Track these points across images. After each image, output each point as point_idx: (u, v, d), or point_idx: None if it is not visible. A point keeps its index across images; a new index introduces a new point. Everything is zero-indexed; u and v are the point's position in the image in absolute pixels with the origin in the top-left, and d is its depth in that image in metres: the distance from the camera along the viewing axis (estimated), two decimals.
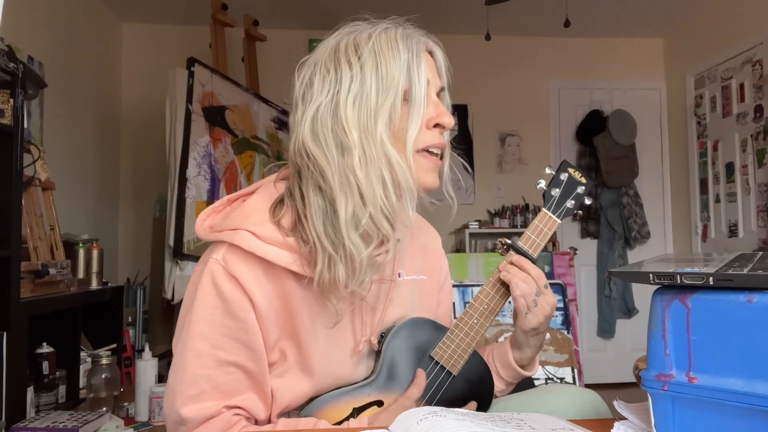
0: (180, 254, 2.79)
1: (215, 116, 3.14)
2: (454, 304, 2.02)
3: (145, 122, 4.00)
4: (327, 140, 0.80)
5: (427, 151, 0.85)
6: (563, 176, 0.97)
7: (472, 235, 4.12)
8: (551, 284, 1.01)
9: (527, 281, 0.92)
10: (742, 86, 3.71)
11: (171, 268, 2.86)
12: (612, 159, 4.32)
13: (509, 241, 0.97)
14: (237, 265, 0.79)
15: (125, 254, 4.05)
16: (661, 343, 0.58)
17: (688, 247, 4.24)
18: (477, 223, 4.15)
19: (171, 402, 0.81)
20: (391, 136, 0.81)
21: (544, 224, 0.96)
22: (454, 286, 2.03)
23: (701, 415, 0.57)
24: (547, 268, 2.60)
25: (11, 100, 1.79)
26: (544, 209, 0.96)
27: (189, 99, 2.94)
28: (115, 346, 2.56)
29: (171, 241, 2.80)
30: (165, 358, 2.86)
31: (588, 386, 1.36)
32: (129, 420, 2.09)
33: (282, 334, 0.83)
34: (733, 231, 3.78)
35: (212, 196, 3.01)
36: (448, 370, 0.92)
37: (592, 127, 4.40)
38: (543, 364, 2.02)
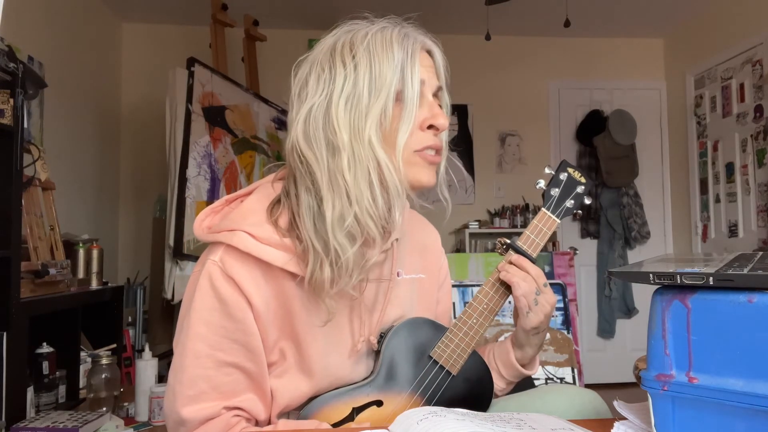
0: (180, 254, 2.79)
1: (215, 116, 3.14)
2: (454, 303, 2.02)
3: (145, 122, 4.00)
4: (318, 140, 0.80)
5: (422, 150, 0.85)
6: (563, 176, 0.97)
7: (472, 235, 4.12)
8: (551, 284, 1.01)
9: (527, 280, 0.92)
10: (742, 86, 3.71)
11: (171, 268, 2.86)
12: (612, 159, 4.32)
13: (508, 241, 0.97)
14: (234, 267, 0.79)
15: (125, 254, 4.05)
16: (661, 343, 0.58)
17: (688, 247, 4.24)
18: (477, 223, 4.15)
19: (171, 402, 0.81)
20: (381, 138, 0.80)
21: (544, 224, 0.96)
22: (454, 286, 2.03)
23: (701, 415, 0.57)
24: (547, 268, 2.60)
25: (11, 100, 1.79)
26: (543, 209, 0.96)
27: (189, 99, 2.94)
28: (115, 346, 2.56)
29: (171, 241, 2.81)
30: (165, 358, 2.86)
31: (588, 386, 1.36)
32: (129, 420, 2.09)
33: (281, 335, 0.83)
34: (733, 231, 3.78)
35: (212, 196, 3.01)
36: (447, 370, 0.92)
37: (592, 127, 4.40)
38: (543, 364, 2.02)
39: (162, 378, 2.27)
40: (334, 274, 0.80)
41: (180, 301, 0.79)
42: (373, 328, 0.91)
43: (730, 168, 3.80)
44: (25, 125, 2.19)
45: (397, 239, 0.91)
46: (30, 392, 1.91)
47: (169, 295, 2.87)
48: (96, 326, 2.56)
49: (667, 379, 0.58)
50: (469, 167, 4.41)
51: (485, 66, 4.40)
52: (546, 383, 1.96)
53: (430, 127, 0.84)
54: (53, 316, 2.17)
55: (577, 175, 0.97)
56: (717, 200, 3.94)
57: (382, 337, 0.91)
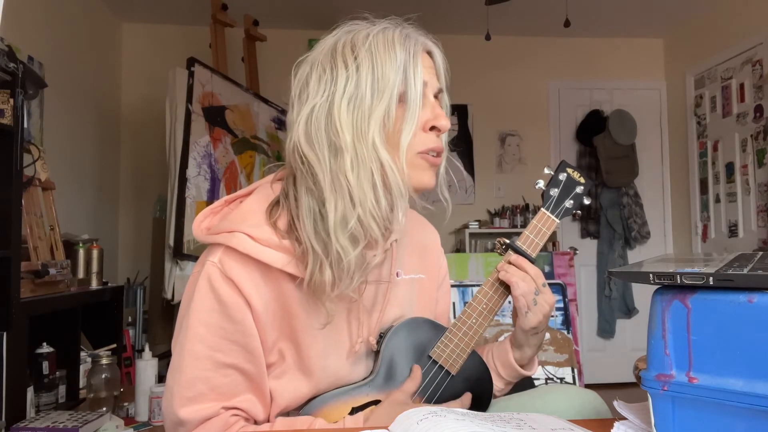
0: (180, 254, 2.79)
1: (215, 116, 3.14)
2: (454, 304, 2.02)
3: (145, 122, 4.00)
4: (320, 141, 0.80)
5: (424, 153, 0.85)
6: (562, 176, 0.97)
7: (472, 235, 4.12)
8: (551, 284, 1.02)
9: (526, 280, 0.92)
10: (742, 86, 3.71)
11: (171, 268, 2.86)
12: (612, 159, 4.32)
13: (508, 241, 0.97)
14: (234, 268, 0.79)
15: (125, 254, 4.05)
16: (661, 343, 0.58)
17: (688, 247, 4.24)
18: (477, 223, 4.15)
19: (169, 403, 0.81)
20: (384, 139, 0.80)
21: (543, 224, 0.96)
22: (454, 286, 2.03)
23: (701, 415, 0.57)
24: (547, 268, 2.60)
25: (11, 100, 1.79)
26: (542, 209, 0.96)
27: (189, 99, 2.94)
28: (115, 346, 2.56)
29: (171, 241, 2.81)
30: (165, 358, 2.86)
31: (588, 386, 1.36)
32: (129, 420, 2.09)
33: (280, 336, 0.83)
34: (733, 231, 3.78)
35: (212, 196, 3.01)
36: (446, 370, 0.92)
37: (592, 127, 4.40)
38: (543, 364, 2.02)
39: (162, 378, 2.26)
40: (335, 277, 0.79)
41: (180, 301, 0.79)
42: (372, 328, 0.91)
43: (730, 168, 3.80)
44: (25, 125, 2.19)
45: (396, 240, 0.91)
46: (30, 392, 1.91)
47: (169, 295, 2.87)
48: (96, 326, 2.56)
49: (667, 379, 0.58)
50: (469, 167, 4.41)
51: (485, 66, 4.40)
52: (546, 383, 1.96)
53: (432, 128, 0.85)
54: (53, 316, 2.17)
55: (576, 175, 0.97)
56: (717, 200, 3.94)
57: (381, 337, 0.91)
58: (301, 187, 0.82)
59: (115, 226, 4.00)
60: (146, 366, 2.14)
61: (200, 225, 0.87)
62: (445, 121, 0.85)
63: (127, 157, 4.09)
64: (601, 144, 4.34)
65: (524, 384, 1.08)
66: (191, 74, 2.96)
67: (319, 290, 0.80)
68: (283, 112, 3.69)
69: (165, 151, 3.07)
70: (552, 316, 0.96)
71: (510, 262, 0.94)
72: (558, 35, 4.35)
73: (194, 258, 2.81)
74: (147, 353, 2.19)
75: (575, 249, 4.14)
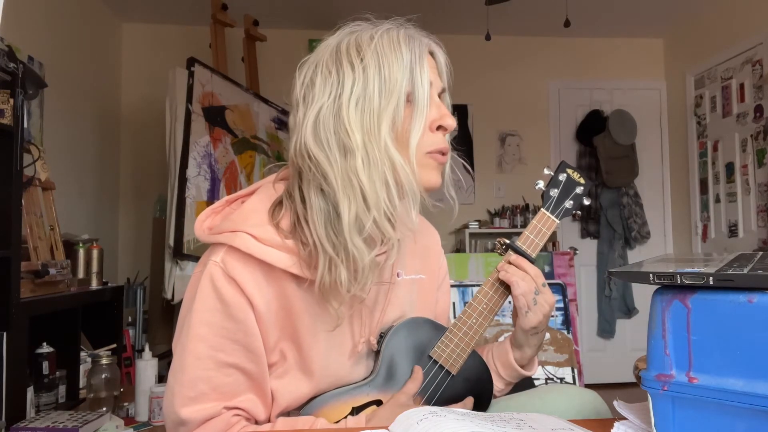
0: (180, 254, 2.79)
1: (215, 116, 3.14)
2: (454, 304, 2.02)
3: (145, 122, 4.00)
4: (329, 142, 0.80)
5: (432, 152, 0.85)
6: (562, 177, 0.98)
7: (472, 235, 4.13)
8: (551, 284, 1.02)
9: (526, 280, 0.92)
10: (742, 86, 3.71)
11: (171, 268, 2.86)
12: (612, 159, 4.32)
13: (508, 241, 0.97)
14: (236, 268, 0.79)
15: (125, 254, 4.05)
16: (661, 343, 0.58)
17: (688, 247, 4.24)
18: (477, 223, 4.15)
19: (170, 403, 0.81)
20: (394, 139, 0.80)
21: (543, 224, 0.96)
22: (454, 286, 2.03)
23: (701, 415, 0.57)
24: (547, 268, 2.60)
25: (11, 100, 1.79)
26: (542, 209, 0.97)
27: (189, 99, 2.94)
28: (115, 346, 2.56)
29: (171, 241, 2.81)
30: (165, 358, 2.86)
31: (588, 386, 1.36)
32: (129, 420, 2.09)
33: (282, 336, 0.83)
34: (733, 231, 3.78)
35: (212, 196, 3.01)
36: (447, 370, 0.92)
37: (592, 127, 4.40)
38: (543, 364, 2.02)
39: (162, 378, 2.27)
40: (350, 278, 0.80)
41: (180, 301, 0.79)
42: (373, 328, 0.91)
43: (730, 168, 3.81)
44: (25, 125, 2.19)
45: (399, 240, 0.91)
46: (30, 392, 1.91)
47: (169, 295, 2.87)
48: (96, 326, 2.56)
49: (667, 379, 0.58)
50: (470, 167, 4.41)
51: (485, 66, 4.40)
52: (546, 383, 1.96)
53: (439, 127, 0.85)
54: (53, 316, 2.17)
55: (576, 175, 0.98)
56: (717, 200, 3.94)
57: (381, 337, 0.91)
58: (310, 188, 0.82)
59: (115, 226, 4.00)
60: (146, 366, 2.14)
61: (202, 225, 0.87)
62: (451, 120, 0.86)
63: (127, 157, 4.09)
64: (601, 144, 4.34)
65: (524, 384, 1.08)
66: (191, 74, 2.96)
67: (329, 292, 0.80)
68: (283, 112, 3.69)
69: (165, 151, 3.07)
70: (552, 316, 0.96)
71: (510, 262, 0.94)
72: (558, 35, 4.35)
73: (194, 258, 2.81)
74: (147, 353, 2.19)
75: (575, 249, 4.14)
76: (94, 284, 2.51)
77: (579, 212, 0.99)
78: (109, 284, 2.65)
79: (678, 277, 0.57)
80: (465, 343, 0.92)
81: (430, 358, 0.92)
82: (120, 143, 4.06)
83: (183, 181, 2.84)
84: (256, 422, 0.85)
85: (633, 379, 0.68)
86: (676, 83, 4.40)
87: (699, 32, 4.15)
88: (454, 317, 0.95)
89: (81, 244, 2.51)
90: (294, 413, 0.87)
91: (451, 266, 2.51)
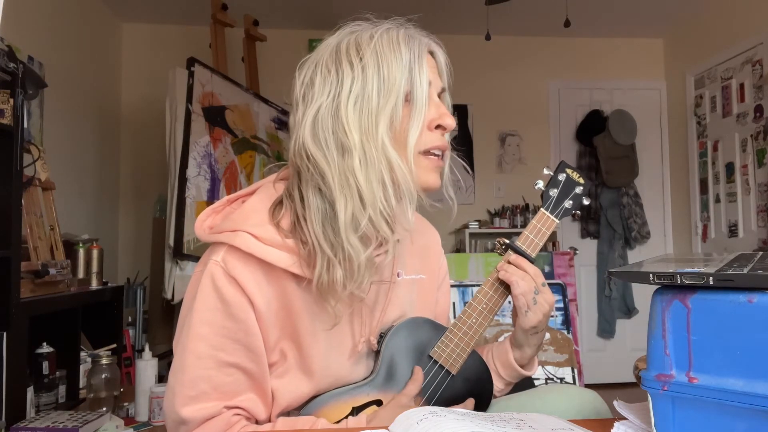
0: (180, 254, 2.79)
1: (215, 116, 3.14)
2: (454, 304, 2.02)
3: (145, 122, 4.00)
4: (327, 141, 0.80)
5: (429, 152, 0.85)
6: (561, 177, 0.98)
7: (472, 235, 4.13)
8: (551, 284, 1.02)
9: (526, 279, 0.92)
10: (742, 86, 3.71)
11: (171, 268, 2.86)
12: (612, 159, 4.32)
13: (507, 241, 0.97)
14: (237, 267, 0.79)
15: (125, 254, 4.05)
16: (661, 343, 0.58)
17: (688, 247, 4.24)
18: (477, 223, 4.15)
19: (171, 402, 0.81)
20: (392, 138, 0.80)
21: (543, 224, 0.96)
22: (454, 286, 2.03)
23: (701, 415, 0.57)
24: (547, 268, 2.60)
25: (11, 100, 1.79)
26: (542, 209, 0.97)
27: (189, 99, 2.94)
28: (115, 346, 2.56)
29: (171, 241, 2.81)
30: (165, 358, 2.86)
31: (588, 386, 1.36)
32: (129, 420, 2.09)
33: (282, 335, 0.83)
34: (733, 231, 3.78)
35: (212, 196, 3.01)
36: (447, 370, 0.92)
37: (592, 127, 4.40)
38: (543, 364, 2.02)
39: (162, 378, 2.27)
40: (346, 277, 0.80)
41: (180, 301, 0.79)
42: (373, 328, 0.91)
43: (730, 168, 3.81)
44: (25, 125, 2.19)
45: (398, 240, 0.91)
46: (30, 392, 1.91)
47: (169, 295, 2.87)
48: (96, 326, 2.56)
49: (667, 379, 0.58)
50: (470, 167, 4.41)
51: (485, 66, 4.40)
52: (546, 383, 1.96)
53: (438, 127, 0.85)
54: (53, 316, 2.17)
55: (575, 175, 0.98)
56: (717, 200, 3.94)
57: (381, 337, 0.91)
58: (309, 188, 0.82)
59: (115, 226, 4.00)
60: (146, 366, 2.14)
61: (203, 224, 0.87)
62: (450, 120, 0.86)
63: (127, 157, 4.09)
64: (601, 144, 4.34)
65: (524, 384, 1.08)
66: (191, 74, 2.96)
67: (327, 291, 0.80)
68: (283, 112, 3.69)
69: (165, 151, 3.07)
70: (552, 316, 0.96)
71: (510, 262, 0.94)
72: (558, 35, 4.35)
73: (194, 258, 2.81)
74: (147, 353, 2.19)
75: (575, 249, 4.14)
76: (94, 284, 2.51)
77: (579, 212, 0.99)
78: (109, 284, 2.65)
79: (678, 277, 0.57)
80: (465, 343, 0.92)
81: (430, 358, 0.92)
82: (120, 143, 4.06)
83: (183, 181, 2.84)
84: (257, 422, 0.85)
85: (633, 379, 0.68)
86: (676, 83, 4.40)
87: (699, 32, 4.15)
88: (454, 317, 0.95)
89: (81, 244, 2.51)
90: (294, 413, 0.87)
91: (451, 266, 2.51)
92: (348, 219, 0.78)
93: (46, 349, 2.08)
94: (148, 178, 4.02)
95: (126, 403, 2.15)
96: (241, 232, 0.80)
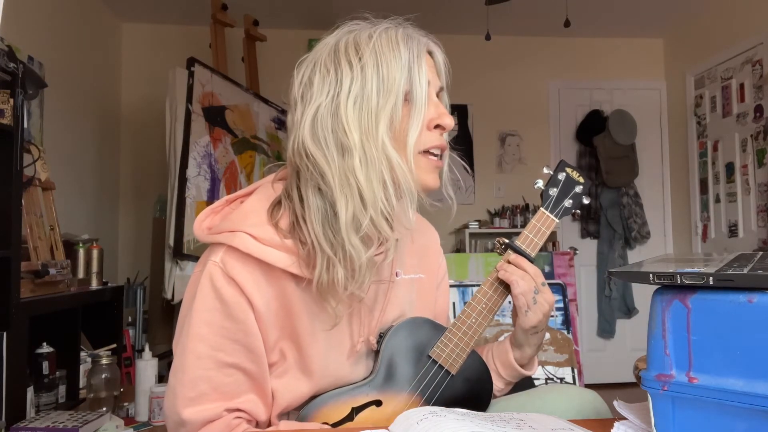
0: (180, 254, 2.79)
1: (215, 116, 3.14)
2: (453, 303, 2.02)
3: (145, 122, 4.00)
4: (327, 141, 0.80)
5: (428, 152, 0.85)
6: (561, 176, 0.98)
7: (472, 235, 4.13)
8: (551, 284, 1.02)
9: (526, 279, 0.92)
10: (742, 86, 3.71)
11: (171, 268, 2.86)
12: (612, 159, 4.32)
13: (507, 241, 0.97)
14: (236, 268, 0.79)
15: (125, 254, 4.05)
16: (661, 343, 0.58)
17: (688, 247, 4.24)
18: (477, 223, 4.15)
19: (171, 404, 0.81)
20: (392, 138, 0.80)
21: (542, 223, 0.96)
22: (454, 285, 2.03)
23: (701, 415, 0.57)
24: (547, 268, 2.60)
25: (11, 100, 1.79)
26: (542, 209, 0.97)
27: (189, 99, 2.94)
28: (115, 346, 2.56)
29: (171, 241, 2.81)
30: (165, 358, 2.86)
31: (588, 386, 1.36)
32: (129, 420, 2.09)
33: (281, 335, 0.83)
34: (733, 231, 3.78)
35: (212, 196, 3.01)
36: (446, 370, 0.92)
37: (592, 127, 4.40)
38: (543, 364, 2.02)
39: (162, 378, 2.27)
40: (347, 278, 0.80)
41: (180, 301, 0.79)
42: (372, 328, 0.91)
43: (730, 168, 3.81)
44: (25, 125, 2.19)
45: (397, 239, 0.91)
46: (30, 392, 1.91)
47: (169, 295, 2.87)
48: (96, 326, 2.56)
49: (667, 379, 0.58)
50: (470, 167, 4.41)
51: (485, 66, 4.40)
52: (546, 383, 1.96)
53: (437, 126, 0.85)
54: (53, 316, 2.16)
55: (575, 175, 0.98)
56: (717, 200, 3.94)
57: (381, 337, 0.91)
58: (308, 187, 0.82)
59: (115, 226, 4.00)
60: (146, 366, 2.14)
61: (201, 225, 0.87)
62: (449, 120, 0.86)
63: (127, 157, 4.09)
64: (601, 144, 4.34)
65: (524, 384, 1.08)
66: (191, 74, 2.96)
67: (327, 291, 0.80)
68: (283, 112, 3.69)
69: (165, 151, 3.07)
70: (552, 316, 0.96)
71: (509, 262, 0.94)
72: (558, 35, 4.35)
73: (194, 258, 2.81)
74: (147, 353, 2.19)
75: (575, 249, 4.14)
76: (94, 284, 2.51)
77: (578, 211, 0.99)
78: (109, 284, 2.65)
79: (678, 277, 0.57)
80: (464, 342, 0.92)
81: (430, 357, 0.92)
82: (120, 143, 4.06)
83: (183, 181, 2.84)
84: (257, 423, 0.85)
85: (633, 379, 0.68)
86: (676, 83, 4.40)
87: (699, 32, 4.15)
88: (454, 317, 0.95)
89: (81, 244, 2.51)
90: (294, 413, 0.87)
91: (451, 266, 2.51)
92: (349, 219, 0.78)
93: (46, 349, 2.08)
94: (148, 178, 4.02)
95: (126, 403, 2.15)
96: (239, 232, 0.80)
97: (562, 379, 2.01)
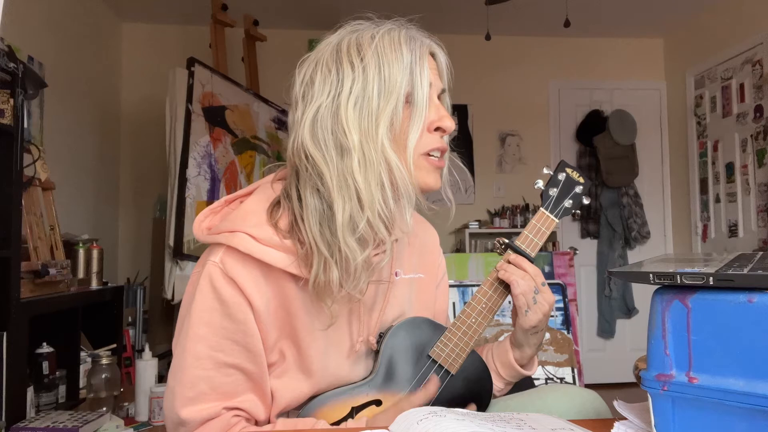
0: (180, 254, 2.79)
1: (215, 116, 3.14)
2: (454, 303, 2.02)
3: (145, 122, 4.00)
4: (326, 142, 0.80)
5: (428, 153, 0.85)
6: (561, 176, 0.98)
7: (472, 235, 4.13)
8: (551, 284, 1.02)
9: (526, 279, 0.92)
10: (742, 86, 3.71)
11: (171, 268, 2.86)
12: (612, 159, 4.32)
13: (507, 241, 0.97)
14: (235, 268, 0.79)
15: (125, 254, 4.05)
16: (661, 343, 0.58)
17: (688, 247, 4.24)
18: (477, 223, 4.15)
19: (170, 403, 0.81)
20: (391, 139, 0.80)
21: (542, 224, 0.96)
22: (454, 285, 2.03)
23: (701, 415, 0.57)
24: (547, 268, 2.60)
25: (11, 100, 1.79)
26: (541, 209, 0.97)
27: (189, 99, 2.94)
28: (115, 346, 2.56)
29: (171, 241, 2.81)
30: (165, 358, 2.86)
31: (588, 386, 1.36)
32: (129, 420, 2.09)
33: (281, 335, 0.83)
34: (733, 231, 3.78)
35: (212, 196, 3.01)
36: (446, 369, 0.92)
37: (592, 127, 4.40)
38: (543, 364, 2.02)
39: (162, 378, 2.27)
40: (342, 278, 0.79)
41: (180, 301, 0.79)
42: (372, 328, 0.91)
43: (730, 168, 3.80)
44: (25, 125, 2.19)
45: (396, 239, 0.91)
46: (30, 392, 1.91)
47: (169, 295, 2.87)
48: (96, 326, 2.56)
49: (667, 379, 0.58)
50: (469, 167, 4.41)
51: (485, 66, 4.40)
52: (546, 383, 1.96)
53: (437, 129, 0.85)
54: (53, 316, 2.17)
55: (575, 175, 0.98)
56: (717, 200, 3.94)
57: (381, 337, 0.91)
58: (306, 187, 0.82)
59: (115, 226, 4.00)
60: (146, 366, 2.14)
61: (201, 225, 0.87)
62: (450, 122, 0.85)
63: (127, 157, 4.09)
64: (601, 144, 4.34)
65: (524, 384, 1.08)
66: (191, 74, 2.96)
67: (323, 291, 0.80)
68: (283, 112, 3.69)
69: (165, 151, 3.07)
70: (552, 316, 0.96)
71: (509, 261, 0.94)
72: (558, 35, 4.35)
73: (194, 258, 2.81)
74: (147, 353, 2.19)
75: (575, 249, 4.14)
76: (94, 284, 2.51)
77: (578, 211, 0.99)
78: (109, 284, 2.65)
79: (678, 277, 0.57)
80: (464, 342, 0.92)
81: (429, 357, 0.92)
82: (120, 143, 4.06)
83: (183, 181, 2.84)
84: (256, 422, 0.85)
85: (633, 379, 0.68)
86: (676, 83, 4.40)
87: (699, 32, 4.15)
88: (454, 317, 0.95)
89: (81, 244, 2.51)
90: (293, 413, 0.87)
91: (451, 266, 2.51)
92: (345, 220, 0.78)
93: (46, 349, 2.08)
94: (148, 178, 4.02)
95: (126, 403, 2.15)
96: (239, 232, 0.80)
97: (562, 379, 2.00)
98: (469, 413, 0.72)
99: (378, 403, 0.89)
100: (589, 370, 4.07)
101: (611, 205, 4.38)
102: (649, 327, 0.60)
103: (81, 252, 2.49)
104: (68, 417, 1.78)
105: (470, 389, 0.94)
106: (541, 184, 0.99)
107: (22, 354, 1.82)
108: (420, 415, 0.68)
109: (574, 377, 2.01)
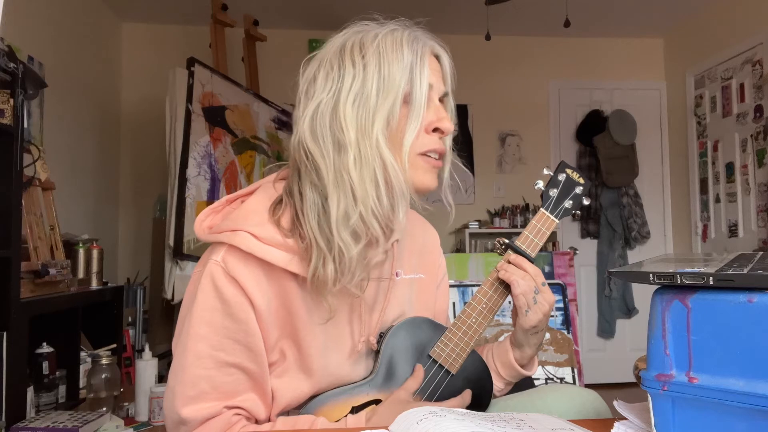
0: (180, 254, 2.79)
1: (215, 116, 3.14)
2: (454, 303, 2.02)
3: (145, 122, 4.00)
4: (325, 137, 0.80)
5: (425, 154, 0.85)
6: (561, 177, 0.98)
7: (472, 235, 4.13)
8: (551, 284, 1.02)
9: (526, 279, 0.92)
10: (742, 86, 3.71)
11: (171, 268, 2.86)
12: (612, 159, 4.32)
13: (507, 241, 0.97)
14: (237, 267, 0.79)
15: (125, 254, 4.05)
16: (661, 343, 0.58)
17: (688, 247, 4.24)
18: (477, 223, 4.15)
19: (171, 403, 0.81)
20: (388, 138, 0.81)
21: (542, 224, 0.96)
22: (454, 285, 2.03)
23: (701, 415, 0.57)
24: (547, 268, 2.60)
25: (11, 100, 1.79)
26: (542, 209, 0.97)
27: (189, 99, 2.94)
28: (115, 346, 2.56)
29: (171, 241, 2.81)
30: (165, 358, 2.86)
31: (588, 386, 1.36)
32: (129, 420, 2.09)
33: (282, 335, 0.84)
34: (733, 231, 3.78)
35: (212, 196, 3.01)
36: (446, 369, 0.92)
37: (592, 127, 4.40)
38: (543, 364, 2.02)
39: (162, 378, 2.27)
40: (337, 272, 0.80)
41: (180, 301, 0.79)
42: (372, 328, 0.91)
43: (730, 168, 3.81)
44: (25, 125, 2.19)
45: (397, 240, 0.91)
46: (30, 392, 1.91)
47: (169, 295, 2.87)
48: (96, 326, 2.56)
49: (667, 379, 0.58)
50: (469, 167, 4.41)
51: (485, 66, 4.40)
52: (546, 383, 1.96)
53: (435, 130, 0.85)
54: (53, 316, 2.17)
55: (575, 175, 0.98)
56: (717, 200, 3.94)
57: (381, 337, 0.91)
58: (306, 182, 0.82)
59: (115, 226, 3.99)
60: (146, 366, 2.14)
61: (202, 224, 0.88)
62: (449, 124, 0.86)
63: (127, 157, 4.09)
64: (601, 144, 4.34)
65: (524, 384, 1.08)
66: (191, 74, 2.96)
67: (322, 285, 0.81)
68: (283, 112, 3.69)
69: (165, 151, 3.07)
70: (552, 316, 0.97)
71: (510, 262, 0.94)
72: (558, 35, 4.35)
73: (194, 258, 2.81)
74: (147, 353, 2.19)
75: (575, 249, 4.14)
76: (94, 284, 2.51)
77: (578, 212, 0.99)
78: (109, 284, 2.65)
79: (678, 277, 0.57)
80: (465, 342, 0.92)
81: (430, 357, 0.92)
82: (120, 143, 4.06)
83: (183, 181, 2.84)
84: (257, 422, 0.85)
85: (633, 379, 0.68)
86: (676, 83, 4.40)
87: (699, 32, 4.15)
88: (454, 317, 0.95)
89: (81, 244, 2.51)
90: (294, 412, 0.87)
91: (451, 266, 2.51)
92: (340, 215, 0.79)
93: (46, 349, 2.08)
94: (148, 178, 4.02)
95: (126, 403, 2.15)
96: (241, 231, 0.80)
97: (562, 379, 2.01)
98: (469, 413, 0.72)
99: (378, 402, 0.89)
100: (589, 370, 4.07)
101: (611, 205, 4.38)
102: (649, 327, 0.60)
103: (81, 252, 2.49)
104: (68, 417, 1.78)
105: (470, 389, 0.94)
106: (541, 184, 0.99)
107: (22, 354, 1.82)
108: (420, 415, 0.68)
109: (574, 377, 2.01)
